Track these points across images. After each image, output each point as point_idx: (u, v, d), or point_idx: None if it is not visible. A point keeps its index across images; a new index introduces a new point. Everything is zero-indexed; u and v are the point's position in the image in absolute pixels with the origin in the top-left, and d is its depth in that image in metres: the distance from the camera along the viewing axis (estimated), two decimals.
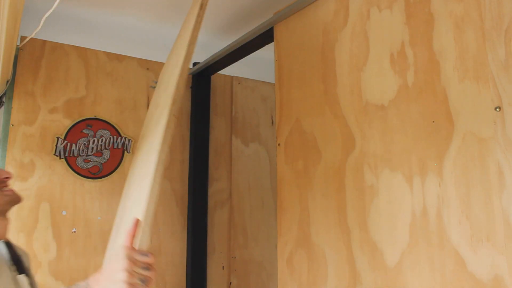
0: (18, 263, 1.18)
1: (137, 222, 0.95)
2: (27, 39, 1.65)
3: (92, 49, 2.01)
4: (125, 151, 2.02)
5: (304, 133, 1.44)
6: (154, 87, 2.06)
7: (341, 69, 1.32)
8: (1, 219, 1.21)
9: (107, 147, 1.98)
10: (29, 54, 1.86)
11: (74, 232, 1.84)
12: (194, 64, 2.21)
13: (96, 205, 1.91)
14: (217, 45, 2.31)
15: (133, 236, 0.94)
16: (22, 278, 1.17)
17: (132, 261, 0.90)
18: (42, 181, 1.81)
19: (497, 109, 0.91)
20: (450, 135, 1.00)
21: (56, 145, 1.86)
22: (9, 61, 1.57)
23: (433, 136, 1.04)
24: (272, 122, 2.40)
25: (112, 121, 2.01)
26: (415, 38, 1.11)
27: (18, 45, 1.77)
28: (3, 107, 1.83)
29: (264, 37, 1.78)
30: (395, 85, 1.14)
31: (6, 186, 1.25)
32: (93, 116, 1.97)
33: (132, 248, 0.93)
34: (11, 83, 1.81)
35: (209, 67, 2.12)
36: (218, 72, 2.22)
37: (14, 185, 1.76)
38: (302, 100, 1.46)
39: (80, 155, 1.91)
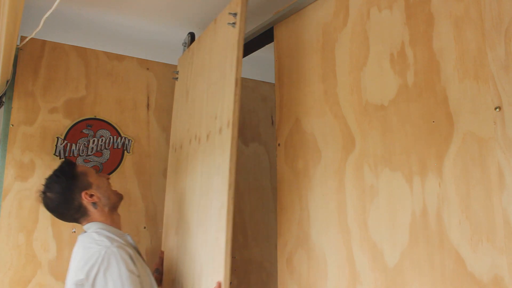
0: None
1: (219, 285, 1.23)
2: (27, 39, 1.64)
3: (92, 49, 2.01)
4: (125, 151, 2.02)
5: (304, 133, 1.44)
6: (177, 78, 2.06)
7: (341, 69, 1.32)
8: (116, 214, 1.54)
9: (107, 147, 1.98)
10: (29, 54, 1.86)
11: (74, 232, 1.84)
12: None
13: None
14: None
15: None
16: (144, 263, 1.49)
17: None
18: (42, 181, 1.81)
19: (497, 109, 0.91)
20: (450, 135, 1.00)
21: (56, 145, 1.86)
22: (9, 61, 1.56)
23: (433, 136, 1.04)
24: (272, 122, 2.39)
25: (112, 121, 2.01)
26: (415, 38, 1.11)
27: (18, 45, 1.77)
28: (3, 107, 1.83)
29: (264, 37, 1.78)
30: (395, 85, 1.14)
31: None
32: (93, 116, 1.97)
33: None
34: (11, 83, 1.81)
35: None
36: None
37: (14, 185, 1.76)
38: (302, 100, 1.46)
39: (80, 155, 1.91)
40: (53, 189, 1.45)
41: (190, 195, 1.63)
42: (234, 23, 1.36)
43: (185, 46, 2.13)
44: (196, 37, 2.03)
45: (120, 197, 1.57)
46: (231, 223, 1.24)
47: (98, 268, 1.29)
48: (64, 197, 1.43)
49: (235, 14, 1.36)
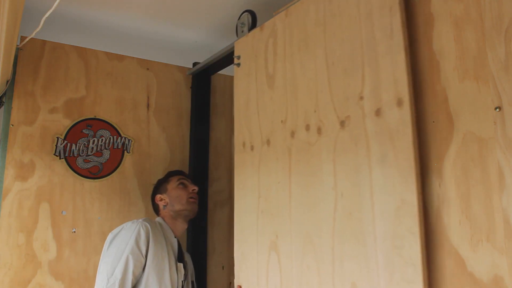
0: (181, 256, 1.75)
1: None
2: (27, 39, 1.64)
3: (92, 49, 2.01)
4: (125, 151, 2.02)
5: None
6: (239, 64, 1.79)
7: None
8: (183, 222, 1.84)
9: (107, 147, 1.98)
10: (29, 54, 1.86)
11: (74, 232, 1.84)
12: (194, 64, 2.21)
13: (96, 205, 1.91)
14: (217, 45, 2.30)
15: None
16: (180, 265, 1.71)
17: None
18: (42, 181, 1.81)
19: (497, 109, 0.91)
20: (450, 135, 1.00)
21: (56, 145, 1.86)
22: (9, 61, 1.57)
23: (433, 136, 1.03)
24: None
25: (112, 121, 2.01)
26: (415, 38, 1.10)
27: (18, 45, 1.77)
28: (3, 107, 1.83)
29: None
30: None
31: (194, 197, 1.85)
32: (93, 116, 1.97)
33: None
34: (11, 83, 1.81)
35: (209, 67, 2.12)
36: (218, 72, 2.22)
37: (14, 185, 1.76)
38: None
39: (80, 155, 1.91)
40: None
41: (311, 201, 1.34)
42: None
43: (243, 25, 1.86)
44: (258, 17, 1.82)
45: (188, 210, 1.82)
46: (423, 226, 1.04)
47: (117, 232, 1.65)
48: (152, 196, 1.90)
49: None
